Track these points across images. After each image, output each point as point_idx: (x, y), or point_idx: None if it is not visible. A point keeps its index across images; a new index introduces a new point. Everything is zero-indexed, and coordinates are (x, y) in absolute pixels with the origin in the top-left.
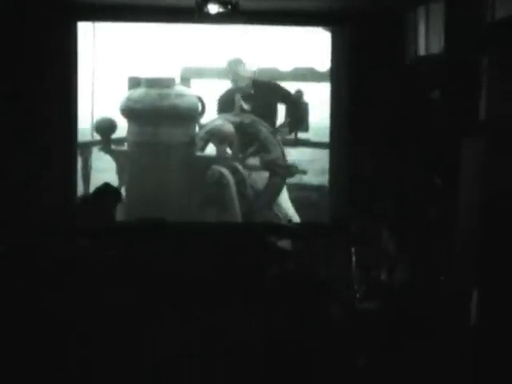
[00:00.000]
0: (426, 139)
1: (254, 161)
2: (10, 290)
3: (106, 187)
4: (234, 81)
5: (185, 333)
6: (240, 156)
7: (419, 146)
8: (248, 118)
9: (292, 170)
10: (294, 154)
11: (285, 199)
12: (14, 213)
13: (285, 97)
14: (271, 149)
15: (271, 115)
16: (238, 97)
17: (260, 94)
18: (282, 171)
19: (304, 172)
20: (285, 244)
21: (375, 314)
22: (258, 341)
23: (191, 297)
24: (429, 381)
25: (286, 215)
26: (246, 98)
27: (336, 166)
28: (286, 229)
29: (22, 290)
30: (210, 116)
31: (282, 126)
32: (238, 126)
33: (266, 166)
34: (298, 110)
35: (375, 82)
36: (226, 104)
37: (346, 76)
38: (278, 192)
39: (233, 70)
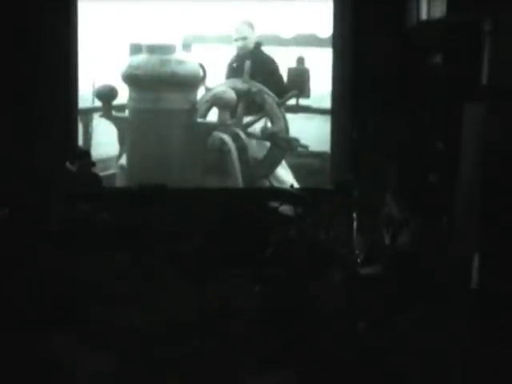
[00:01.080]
0: (428, 104)
1: (256, 130)
2: (11, 253)
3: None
4: (243, 45)
5: (186, 299)
6: (243, 124)
7: (421, 111)
8: (256, 87)
9: (293, 143)
10: (295, 122)
11: (284, 167)
12: (15, 178)
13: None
14: (275, 120)
15: (277, 86)
16: (247, 64)
17: (264, 65)
18: (283, 144)
19: (305, 147)
20: (287, 210)
21: (377, 279)
22: (260, 306)
23: (193, 264)
24: (430, 346)
25: (285, 182)
26: (255, 65)
27: (338, 132)
28: (287, 194)
29: (22, 253)
30: (216, 81)
31: (288, 97)
32: (245, 94)
33: (268, 137)
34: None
35: (377, 47)
36: (235, 70)
37: (348, 41)
38: (277, 163)
39: (246, 33)
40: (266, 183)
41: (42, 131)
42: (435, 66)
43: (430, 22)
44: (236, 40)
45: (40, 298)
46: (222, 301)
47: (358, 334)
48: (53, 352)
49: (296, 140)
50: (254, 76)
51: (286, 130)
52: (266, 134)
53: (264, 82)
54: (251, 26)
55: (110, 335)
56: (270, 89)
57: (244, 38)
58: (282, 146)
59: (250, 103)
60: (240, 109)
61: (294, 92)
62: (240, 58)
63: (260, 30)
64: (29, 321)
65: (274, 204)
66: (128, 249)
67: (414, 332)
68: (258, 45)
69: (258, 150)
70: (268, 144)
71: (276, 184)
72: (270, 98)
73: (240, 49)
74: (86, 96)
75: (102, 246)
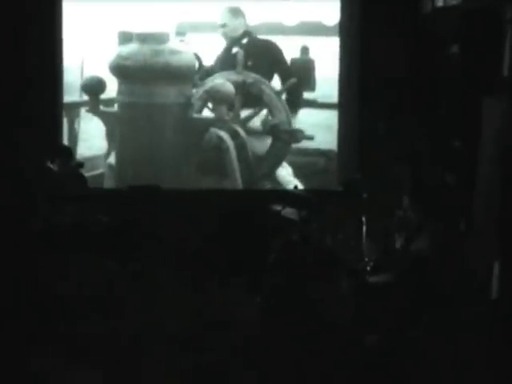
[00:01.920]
0: (444, 98)
1: (255, 124)
2: None
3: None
4: (225, 34)
5: (182, 309)
6: (241, 119)
7: (436, 105)
8: (251, 77)
9: (297, 135)
10: (299, 117)
11: (282, 165)
12: None
13: (277, 63)
14: (275, 112)
15: (282, 72)
16: (240, 53)
17: (259, 52)
18: (286, 136)
19: (311, 137)
20: (290, 213)
21: (387, 287)
22: (261, 316)
23: (187, 271)
24: (443, 359)
25: (287, 183)
26: (248, 55)
27: (345, 129)
28: (291, 196)
29: (10, 256)
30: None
31: (287, 86)
32: (240, 86)
33: (269, 130)
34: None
35: (388, 36)
36: (225, 61)
37: (357, 30)
38: (281, 158)
39: (226, 20)
40: (268, 184)
41: (25, 127)
42: (451, 57)
43: (445, 9)
44: (220, 27)
45: (22, 307)
46: (222, 311)
47: (366, 346)
48: (36, 366)
49: (300, 131)
50: (251, 66)
51: (289, 121)
52: (266, 127)
53: (263, 71)
54: (235, 12)
55: (98, 347)
56: (271, 77)
57: (223, 26)
58: (285, 138)
59: (247, 95)
60: (237, 102)
61: (293, 80)
62: (228, 48)
63: (260, 18)
64: (10, 331)
65: (277, 207)
66: (116, 255)
67: (427, 343)
68: (246, 33)
69: (259, 146)
70: (270, 139)
71: (281, 182)
72: (268, 88)
73: (224, 37)
74: (72, 89)
75: (87, 251)
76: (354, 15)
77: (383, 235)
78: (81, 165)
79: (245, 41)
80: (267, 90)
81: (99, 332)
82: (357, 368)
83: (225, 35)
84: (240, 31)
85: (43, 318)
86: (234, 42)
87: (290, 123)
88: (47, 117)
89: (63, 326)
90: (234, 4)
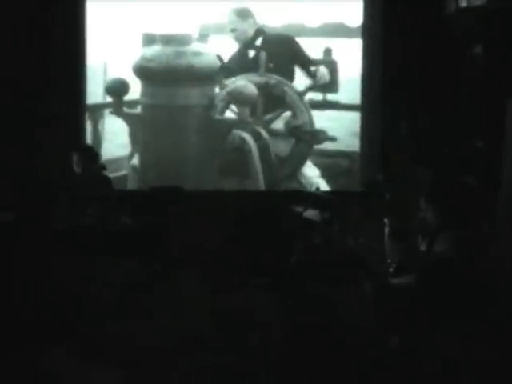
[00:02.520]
0: (467, 99)
1: (278, 126)
2: (17, 259)
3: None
4: (236, 38)
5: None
6: (263, 120)
7: (459, 106)
8: (273, 79)
9: (320, 136)
10: (322, 119)
11: (309, 166)
12: (21, 180)
13: (296, 55)
14: (297, 113)
15: (293, 72)
16: (263, 55)
17: (277, 49)
18: (308, 138)
19: (333, 139)
20: (312, 214)
21: (410, 290)
22: (282, 319)
23: (207, 272)
24: (466, 366)
25: (311, 184)
26: (267, 55)
27: (368, 130)
28: (313, 197)
29: (29, 259)
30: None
31: (309, 87)
32: (263, 88)
33: (292, 131)
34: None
35: (411, 37)
36: (242, 65)
37: (379, 31)
38: (304, 160)
39: (234, 24)
40: (292, 184)
41: (48, 129)
42: (474, 58)
43: (469, 9)
44: (231, 32)
45: (42, 308)
46: (242, 313)
47: (389, 350)
48: (55, 368)
49: (323, 132)
50: (272, 67)
51: (311, 122)
52: (288, 128)
53: (285, 68)
54: (242, 14)
55: (118, 349)
56: (293, 76)
57: (233, 30)
58: (308, 139)
59: (269, 97)
60: (259, 104)
61: (316, 79)
62: (242, 51)
63: (283, 19)
64: (29, 332)
65: (299, 208)
66: (138, 256)
67: (449, 345)
68: (258, 32)
69: (282, 147)
70: (292, 140)
71: (305, 183)
72: (291, 89)
73: (236, 41)
74: (95, 91)
75: (110, 253)
76: (377, 16)
77: (405, 236)
78: (103, 167)
79: (259, 42)
80: (290, 92)
81: (118, 332)
82: (379, 369)
83: (236, 39)
84: (251, 32)
85: (62, 318)
86: (247, 44)
87: (312, 124)
88: (70, 117)
89: (83, 326)
90: (240, 5)
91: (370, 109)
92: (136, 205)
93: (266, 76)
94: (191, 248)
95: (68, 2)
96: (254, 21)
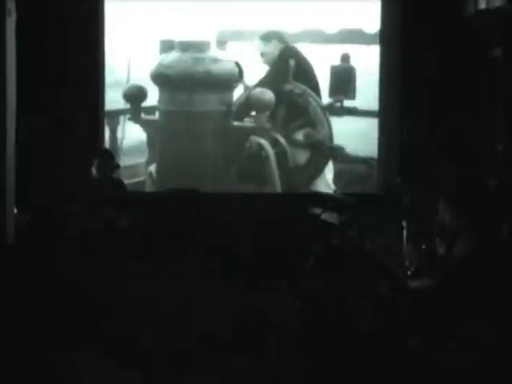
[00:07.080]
0: (486, 102)
1: (298, 136)
2: (34, 261)
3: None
4: (265, 62)
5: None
6: (285, 129)
7: (478, 110)
8: (299, 88)
9: (337, 152)
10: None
11: (329, 171)
12: (39, 184)
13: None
14: (319, 126)
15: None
16: (292, 63)
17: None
18: (326, 152)
19: (350, 157)
20: (331, 217)
21: (428, 293)
22: (300, 321)
23: (225, 274)
24: (486, 369)
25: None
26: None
27: (386, 136)
28: (331, 200)
29: (46, 262)
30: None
31: (334, 101)
32: (287, 95)
33: (311, 145)
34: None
35: (429, 42)
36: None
37: (398, 37)
38: (321, 169)
39: (261, 49)
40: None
41: (67, 135)
42: (495, 60)
43: (488, 11)
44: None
45: (61, 311)
46: (260, 315)
47: (408, 353)
48: (75, 371)
49: (341, 149)
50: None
51: (331, 136)
52: (308, 141)
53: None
54: (266, 38)
55: (136, 350)
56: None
57: (262, 55)
58: (325, 153)
59: (292, 105)
60: (280, 112)
61: (340, 96)
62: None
63: (301, 25)
64: (49, 336)
65: (317, 210)
66: (154, 258)
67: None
68: (283, 53)
69: (300, 154)
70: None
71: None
72: (315, 101)
73: (266, 64)
74: (113, 97)
75: (125, 254)
76: (395, 22)
77: (424, 240)
78: (117, 166)
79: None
80: (314, 103)
81: (136, 333)
82: (395, 372)
83: (266, 63)
84: (276, 53)
85: (80, 320)
86: (275, 66)
87: (331, 138)
88: (89, 124)
89: (100, 328)
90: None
91: (389, 114)
92: (152, 206)
93: (292, 84)
94: (208, 250)
95: (88, 5)
96: (277, 41)
